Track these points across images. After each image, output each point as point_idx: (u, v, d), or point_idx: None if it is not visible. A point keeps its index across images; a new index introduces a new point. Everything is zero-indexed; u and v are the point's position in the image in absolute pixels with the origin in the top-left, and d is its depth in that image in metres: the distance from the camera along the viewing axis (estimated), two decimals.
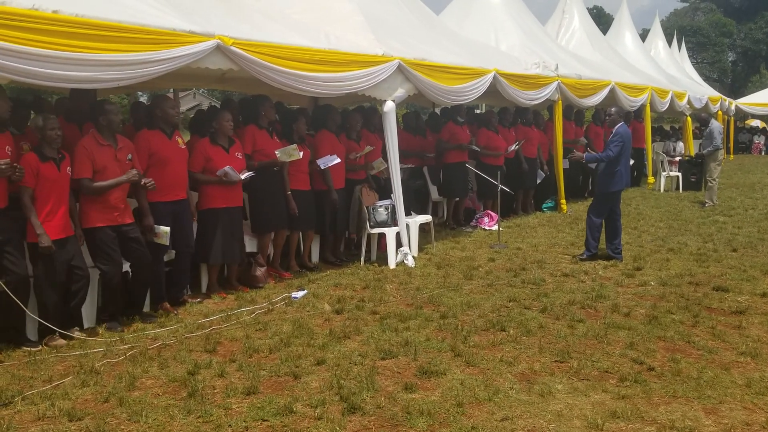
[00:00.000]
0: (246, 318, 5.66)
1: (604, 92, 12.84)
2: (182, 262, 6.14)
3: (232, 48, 5.82)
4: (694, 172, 14.86)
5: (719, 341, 5.01)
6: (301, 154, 6.96)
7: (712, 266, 7.39)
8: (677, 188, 15.00)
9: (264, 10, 7.24)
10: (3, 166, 4.66)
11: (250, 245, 6.89)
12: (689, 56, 34.54)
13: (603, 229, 7.89)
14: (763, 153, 29.43)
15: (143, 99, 12.73)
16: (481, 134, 10.58)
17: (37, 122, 5.07)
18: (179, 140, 6.07)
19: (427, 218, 8.70)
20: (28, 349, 4.89)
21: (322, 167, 7.38)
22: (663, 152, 15.84)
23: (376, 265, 7.61)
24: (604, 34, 19.48)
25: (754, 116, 32.36)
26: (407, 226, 7.84)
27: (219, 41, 5.68)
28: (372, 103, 9.20)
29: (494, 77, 9.46)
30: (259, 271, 6.76)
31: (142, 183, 5.57)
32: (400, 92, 7.70)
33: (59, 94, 8.29)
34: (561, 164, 11.61)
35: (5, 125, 5.04)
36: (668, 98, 16.74)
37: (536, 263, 7.61)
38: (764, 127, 33.58)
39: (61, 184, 5.08)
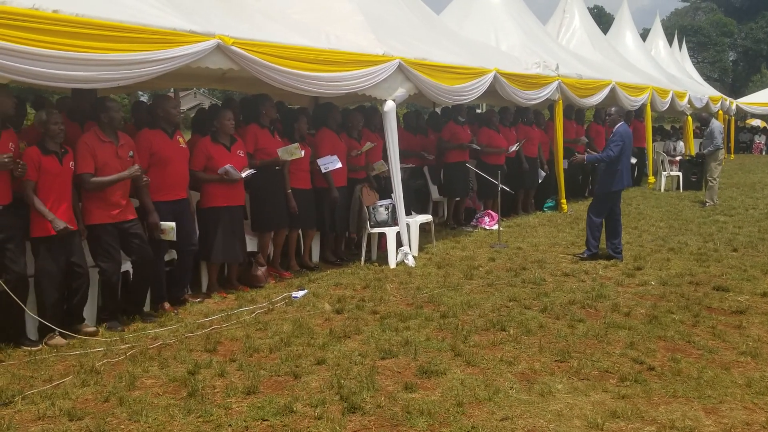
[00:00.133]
0: (246, 318, 5.66)
1: (605, 92, 12.83)
2: (184, 261, 6.14)
3: (233, 48, 5.82)
4: (695, 171, 14.86)
5: (719, 341, 5.01)
6: (303, 152, 6.97)
7: (712, 266, 7.39)
8: (678, 188, 14.99)
9: (264, 9, 7.24)
10: (6, 160, 4.67)
11: (251, 245, 6.90)
12: (690, 56, 34.54)
13: (603, 229, 7.89)
14: (763, 153, 29.41)
15: (144, 98, 12.72)
16: (483, 133, 10.58)
17: (41, 116, 5.12)
18: (180, 140, 6.08)
19: (427, 218, 8.71)
20: (28, 348, 4.89)
21: (323, 170, 7.38)
22: (663, 152, 15.84)
23: (377, 264, 7.61)
24: (605, 34, 19.48)
25: (755, 116, 32.34)
26: (407, 225, 7.84)
27: (219, 41, 5.69)
28: (372, 102, 9.19)
29: (494, 77, 9.46)
30: (260, 271, 6.76)
31: (142, 181, 5.56)
32: (401, 92, 7.70)
33: (59, 93, 8.30)
34: (561, 164, 11.61)
35: (9, 123, 5.06)
36: (669, 98, 16.73)
37: (537, 263, 7.61)
38: (765, 127, 33.56)
39: (64, 179, 5.10)
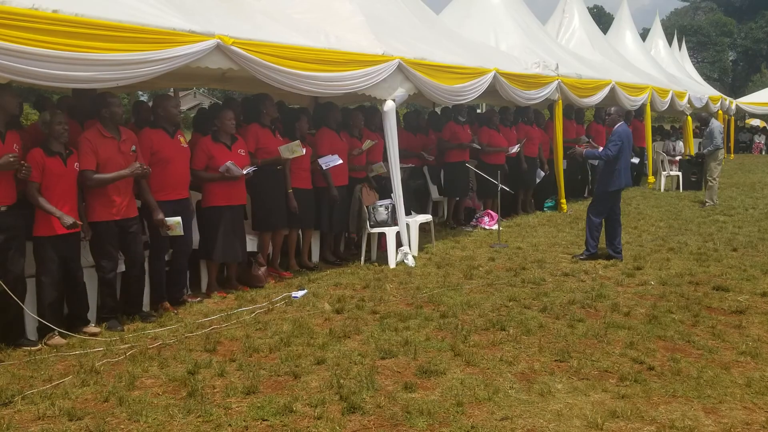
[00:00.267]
0: (246, 317, 5.66)
1: (605, 92, 12.83)
2: (179, 261, 6.14)
3: (233, 47, 5.82)
4: (695, 171, 14.86)
5: (719, 341, 5.01)
6: (304, 150, 6.98)
7: (712, 266, 7.39)
8: (677, 188, 15.00)
9: (264, 9, 7.24)
10: (11, 159, 4.68)
11: (250, 244, 6.89)
12: (689, 55, 34.52)
13: (603, 229, 7.89)
14: (763, 152, 29.41)
15: (144, 98, 12.72)
16: (483, 133, 10.58)
17: (45, 117, 5.14)
18: (181, 139, 6.09)
19: (427, 218, 8.71)
20: (28, 348, 4.89)
21: (324, 168, 7.39)
22: (663, 152, 15.84)
23: (376, 264, 7.61)
24: (605, 34, 19.48)
25: (755, 116, 32.34)
26: (407, 225, 7.84)
27: (219, 41, 5.68)
28: (372, 102, 9.20)
29: (494, 77, 9.46)
30: (259, 271, 6.76)
31: (139, 168, 5.51)
32: (400, 92, 7.69)
33: (59, 93, 8.29)
34: (561, 164, 11.62)
35: (14, 124, 5.06)
36: (668, 98, 16.73)
37: (536, 263, 7.61)
38: (764, 127, 33.56)
39: (68, 179, 5.11)
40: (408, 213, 8.15)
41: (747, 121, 35.22)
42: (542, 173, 11.71)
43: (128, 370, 4.47)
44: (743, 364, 4.55)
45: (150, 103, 7.68)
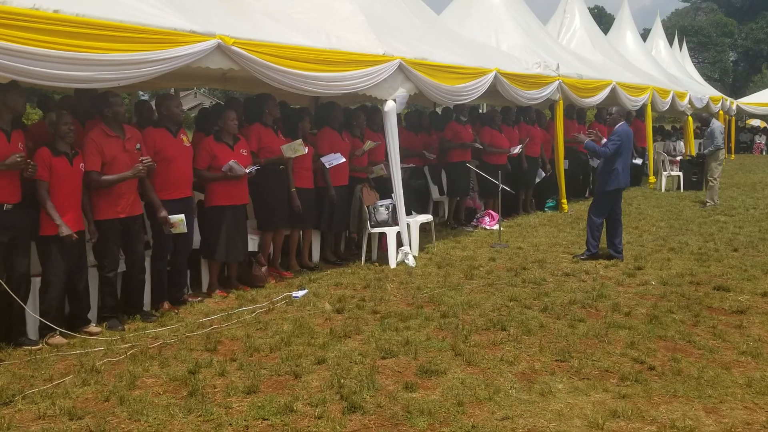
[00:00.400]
0: (247, 317, 5.66)
1: (606, 92, 12.84)
2: (180, 261, 6.14)
3: (233, 48, 5.82)
4: (695, 171, 14.86)
5: (720, 341, 5.00)
6: (306, 149, 6.99)
7: (713, 266, 7.38)
8: (678, 188, 14.99)
9: (265, 9, 7.24)
10: (18, 159, 4.70)
11: (251, 244, 6.90)
12: (690, 56, 34.53)
13: (604, 229, 7.89)
14: (764, 153, 29.41)
15: (145, 98, 12.74)
16: (485, 133, 10.59)
17: (51, 117, 5.17)
18: (184, 138, 6.11)
19: (427, 218, 8.71)
20: (29, 348, 4.89)
21: (328, 166, 7.41)
22: (664, 152, 15.83)
23: (377, 264, 7.61)
24: (605, 34, 19.48)
25: (755, 116, 32.32)
26: (408, 225, 7.84)
27: (220, 41, 5.69)
28: (373, 102, 9.20)
29: (495, 77, 9.46)
30: (260, 271, 6.77)
31: (141, 161, 5.52)
32: (401, 92, 7.69)
33: (60, 93, 8.30)
34: (562, 164, 11.62)
35: (19, 124, 5.08)
36: (669, 98, 16.73)
37: (537, 263, 7.61)
38: (765, 127, 33.55)
39: (73, 179, 5.13)
40: (408, 213, 8.15)
41: (747, 121, 35.20)
42: (542, 173, 11.71)
43: (129, 369, 4.47)
44: (744, 364, 4.55)
45: (152, 103, 7.69)
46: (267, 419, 3.76)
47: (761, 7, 55.60)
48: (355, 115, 8.32)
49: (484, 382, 4.21)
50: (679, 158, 15.66)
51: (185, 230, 5.79)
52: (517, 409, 3.86)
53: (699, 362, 4.56)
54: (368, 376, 4.26)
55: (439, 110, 12.82)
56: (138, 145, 5.59)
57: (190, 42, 5.46)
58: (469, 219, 10.49)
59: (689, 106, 18.40)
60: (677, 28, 43.86)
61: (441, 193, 10.67)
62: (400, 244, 7.67)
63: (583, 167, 13.30)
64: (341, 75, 7.00)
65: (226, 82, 9.01)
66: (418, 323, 5.43)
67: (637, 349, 4.81)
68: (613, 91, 13.15)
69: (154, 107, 6.92)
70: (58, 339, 5.01)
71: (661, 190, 14.86)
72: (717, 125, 12.78)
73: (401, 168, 7.90)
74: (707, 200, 12.39)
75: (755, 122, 35.17)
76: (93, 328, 5.31)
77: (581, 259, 7.78)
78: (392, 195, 7.78)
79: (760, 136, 30.70)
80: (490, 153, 10.47)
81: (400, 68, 7.61)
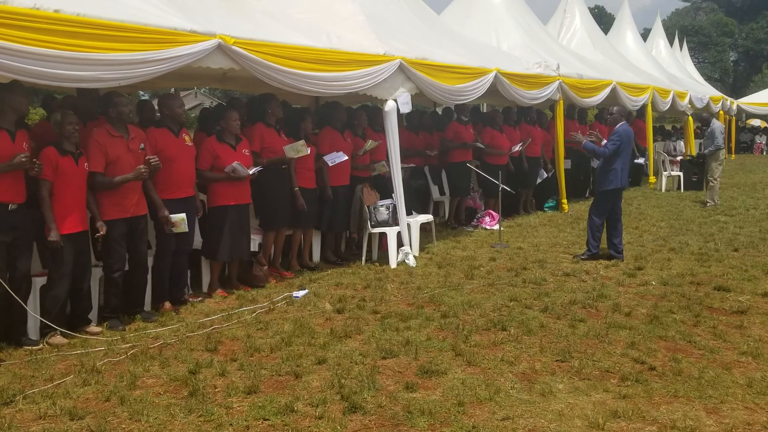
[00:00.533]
0: (247, 317, 5.66)
1: (606, 92, 12.83)
2: (180, 260, 6.14)
3: (234, 47, 5.82)
4: (696, 171, 14.85)
5: (720, 341, 5.00)
6: (309, 150, 6.99)
7: (713, 266, 7.38)
8: (678, 188, 14.99)
9: (266, 9, 7.24)
10: (23, 159, 4.70)
11: (252, 244, 6.90)
12: (691, 56, 34.52)
13: (604, 229, 7.89)
14: (764, 153, 29.40)
15: (145, 97, 12.75)
16: (486, 133, 10.59)
17: (56, 118, 5.19)
18: (186, 138, 6.11)
19: (428, 218, 8.71)
20: (30, 348, 4.89)
21: (330, 164, 7.41)
22: (664, 152, 15.83)
23: (377, 264, 7.61)
24: (606, 34, 19.47)
25: (756, 116, 32.33)
26: (408, 225, 7.84)
27: (220, 40, 5.69)
28: (373, 102, 9.20)
29: (495, 77, 9.46)
30: (261, 271, 6.77)
31: (147, 160, 5.53)
32: (402, 92, 7.68)
33: (61, 92, 8.29)
34: (562, 164, 11.61)
35: (22, 124, 5.08)
36: (670, 98, 16.73)
37: (537, 263, 7.61)
38: (765, 127, 33.55)
39: (78, 179, 5.16)
40: (409, 213, 8.15)
41: (748, 121, 35.21)
42: (545, 174, 11.71)
43: (129, 369, 4.47)
44: (744, 365, 4.55)
45: (153, 102, 7.71)
46: (267, 419, 3.76)
47: (762, 7, 55.58)
48: (357, 115, 8.32)
49: (484, 383, 4.21)
50: (679, 158, 15.66)
51: (186, 229, 5.80)
52: (517, 410, 3.85)
53: (699, 362, 4.56)
54: (369, 377, 4.26)
55: (439, 110, 12.82)
56: (142, 145, 5.60)
57: (190, 42, 5.46)
58: (470, 219, 10.50)
59: (689, 106, 18.40)
60: (677, 28, 43.85)
61: (441, 193, 10.68)
62: (400, 244, 7.67)
63: (584, 167, 13.30)
64: (342, 75, 7.00)
65: (227, 81, 9.01)
66: (418, 323, 5.43)
67: (637, 349, 4.81)
68: (614, 91, 13.14)
69: (155, 107, 6.94)
70: (58, 339, 5.01)
71: (661, 190, 14.86)
72: (717, 125, 12.78)
73: (402, 168, 7.90)
74: (707, 200, 12.38)
75: (755, 122, 35.18)
76: (93, 328, 5.31)
77: (582, 259, 7.78)
78: (393, 195, 7.78)
79: (761, 136, 30.70)
80: (491, 154, 10.47)
81: (401, 68, 7.61)
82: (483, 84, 9.22)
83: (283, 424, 3.71)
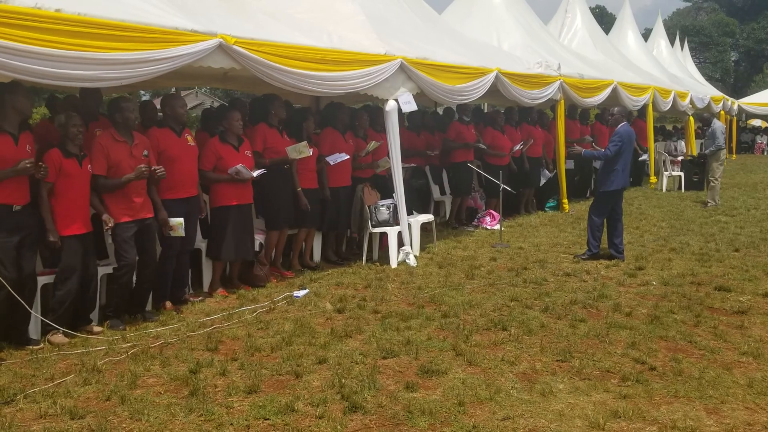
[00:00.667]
0: (248, 317, 5.66)
1: (607, 92, 12.82)
2: (182, 260, 6.14)
3: (234, 47, 5.82)
4: (697, 171, 14.85)
5: (721, 341, 5.00)
6: (311, 151, 7.00)
7: (714, 266, 7.38)
8: (679, 188, 14.98)
9: (266, 9, 7.25)
10: (28, 165, 4.72)
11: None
12: (692, 56, 34.50)
13: (605, 229, 7.89)
14: (765, 153, 29.38)
15: (146, 97, 12.76)
16: (487, 133, 10.59)
17: (60, 120, 5.20)
18: (189, 138, 6.12)
19: (428, 217, 8.71)
20: (31, 347, 4.89)
21: (332, 163, 7.42)
22: (665, 152, 15.83)
23: (378, 264, 7.61)
24: (607, 34, 19.46)
25: (757, 116, 32.31)
26: (409, 225, 7.84)
27: (221, 40, 5.69)
28: (375, 102, 9.20)
29: (496, 76, 9.46)
30: (261, 270, 6.77)
31: (154, 171, 5.56)
32: (403, 92, 7.67)
33: (62, 92, 8.30)
34: (563, 164, 11.61)
35: (26, 125, 5.10)
36: (671, 98, 16.72)
37: (538, 263, 7.61)
38: (766, 127, 33.52)
39: (82, 181, 5.18)
40: (410, 213, 8.15)
41: (749, 121, 35.19)
42: (548, 174, 11.70)
43: (130, 369, 4.47)
44: (745, 365, 4.55)
45: (155, 102, 7.72)
46: (268, 419, 3.76)
47: (763, 7, 55.54)
48: (359, 116, 8.32)
49: (485, 382, 4.22)
50: (680, 158, 15.65)
51: (183, 234, 5.80)
52: (518, 409, 3.86)
53: (700, 363, 4.56)
54: (369, 376, 4.27)
55: (440, 110, 12.82)
56: (145, 152, 5.59)
57: (191, 41, 5.46)
58: (470, 219, 10.50)
59: (690, 106, 18.39)
60: (678, 28, 43.81)
61: (442, 192, 10.68)
62: (401, 243, 7.67)
63: (585, 167, 13.30)
64: (343, 74, 7.00)
65: (228, 81, 9.01)
66: (419, 323, 5.43)
67: (638, 349, 4.81)
68: (615, 90, 13.13)
69: (158, 107, 6.95)
70: (59, 337, 5.02)
71: (662, 190, 14.85)
72: (718, 125, 12.77)
73: (402, 168, 7.90)
74: (708, 200, 12.38)
75: (756, 122, 35.16)
76: (94, 327, 5.32)
77: (582, 259, 7.78)
78: (393, 195, 7.78)
79: (762, 136, 30.67)
80: (492, 154, 10.47)
81: (402, 68, 7.61)
82: (484, 84, 9.22)
83: (284, 423, 3.71)
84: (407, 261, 7.60)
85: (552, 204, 12.02)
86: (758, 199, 13.14)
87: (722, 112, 22.49)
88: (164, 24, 5.29)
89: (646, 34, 27.10)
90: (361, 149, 7.99)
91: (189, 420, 3.75)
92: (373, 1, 8.54)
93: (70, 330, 5.11)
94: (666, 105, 16.57)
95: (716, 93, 24.05)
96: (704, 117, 13.56)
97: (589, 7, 18.45)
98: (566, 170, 11.77)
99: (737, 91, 45.85)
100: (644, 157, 15.57)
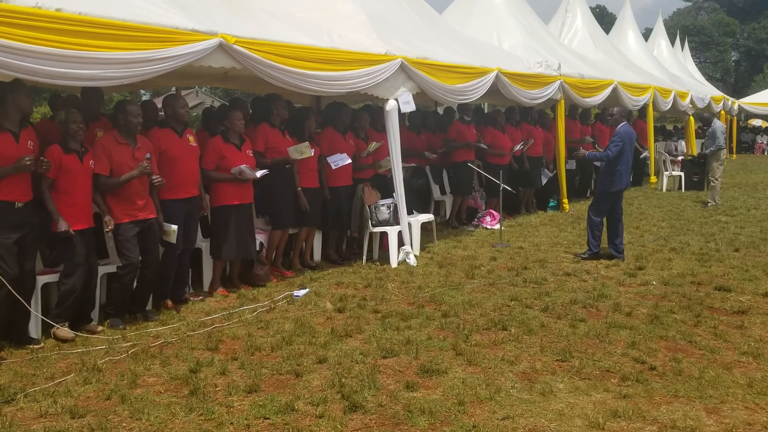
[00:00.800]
0: (248, 316, 5.66)
1: (607, 91, 12.82)
2: (182, 259, 6.14)
3: (235, 46, 5.82)
4: (697, 171, 14.85)
5: (721, 341, 5.00)
6: (313, 151, 7.00)
7: (714, 266, 7.38)
8: (679, 188, 14.98)
9: (267, 8, 7.24)
10: (28, 162, 4.73)
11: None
12: (692, 56, 34.47)
13: (605, 228, 7.89)
14: (765, 153, 29.37)
15: (146, 97, 12.76)
16: (487, 133, 10.60)
17: (60, 116, 5.22)
18: (190, 138, 6.12)
19: (429, 217, 8.71)
20: (31, 346, 4.90)
21: (334, 167, 7.42)
22: (665, 151, 15.83)
23: (378, 263, 7.61)
24: (607, 34, 19.46)
25: (757, 116, 32.29)
26: (409, 224, 7.84)
27: (222, 39, 5.69)
28: (375, 102, 9.20)
29: (497, 76, 9.45)
30: (262, 270, 6.77)
31: (152, 180, 5.59)
32: (403, 91, 7.67)
33: (63, 91, 8.30)
34: (563, 163, 11.62)
35: (27, 121, 5.11)
36: (671, 98, 16.71)
37: (538, 262, 7.61)
38: (767, 127, 33.51)
39: (83, 176, 5.20)
40: (410, 212, 8.15)
41: (749, 121, 35.17)
42: (548, 174, 11.70)
43: (130, 368, 4.47)
44: (745, 365, 4.55)
45: (156, 101, 7.72)
46: (268, 418, 3.77)
47: (763, 7, 55.54)
48: (360, 117, 8.32)
49: (485, 382, 4.22)
50: (680, 158, 15.65)
51: (174, 241, 5.78)
52: (518, 409, 3.86)
53: (700, 362, 4.56)
54: (369, 376, 4.27)
55: (440, 110, 12.82)
56: (148, 155, 5.60)
57: (192, 41, 5.46)
58: (471, 218, 10.50)
59: (691, 105, 18.39)
60: (679, 28, 43.84)
61: (442, 192, 10.68)
62: (401, 243, 7.68)
63: (585, 167, 13.29)
64: (343, 74, 7.00)
65: (228, 81, 9.02)
66: (419, 323, 5.43)
67: (638, 349, 4.81)
68: (615, 90, 13.13)
69: (159, 107, 6.95)
70: (65, 331, 5.05)
71: (662, 190, 14.85)
72: (718, 125, 12.77)
73: (403, 167, 7.90)
74: (708, 200, 12.38)
75: (757, 122, 35.15)
76: (95, 326, 5.32)
77: (582, 258, 7.79)
78: (394, 194, 7.78)
79: (762, 136, 30.67)
80: (492, 153, 10.48)
81: (402, 67, 7.61)
82: (484, 83, 9.22)
83: (284, 423, 3.71)
84: (407, 260, 7.61)
85: (553, 204, 12.02)
86: (758, 199, 13.14)
87: (722, 112, 22.49)
88: (165, 23, 5.30)
89: (646, 34, 27.09)
90: (362, 150, 7.99)
91: (189, 419, 3.76)
92: (374, 0, 8.54)
93: (70, 329, 5.12)
94: (666, 105, 16.57)
95: (716, 93, 24.05)
96: (704, 117, 13.55)
97: (590, 7, 18.44)
98: (567, 170, 11.78)
99: (737, 91, 45.85)
100: (645, 153, 15.57)
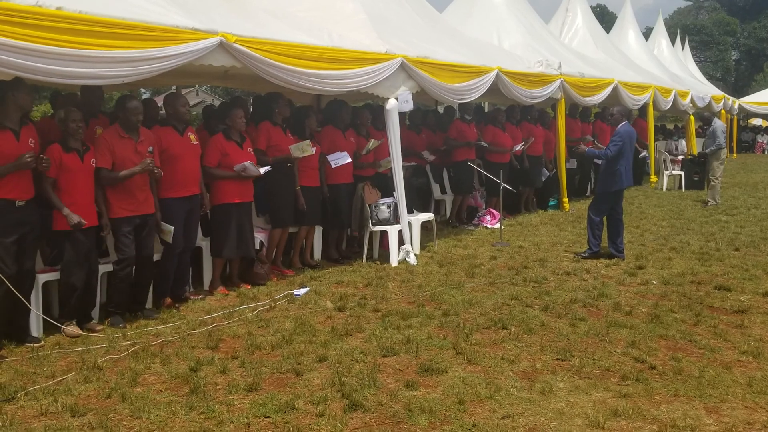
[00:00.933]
0: (248, 315, 5.67)
1: (607, 90, 12.82)
2: (183, 258, 6.15)
3: (235, 45, 5.83)
4: (697, 171, 14.85)
5: (721, 340, 5.01)
6: (314, 150, 7.01)
7: (714, 265, 7.38)
8: (680, 187, 14.98)
9: (267, 7, 7.24)
10: (28, 159, 4.73)
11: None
12: (692, 55, 34.44)
13: (605, 228, 7.89)
14: (766, 152, 29.36)
15: (146, 95, 12.77)
16: (488, 131, 10.60)
17: (60, 115, 5.23)
18: (192, 136, 6.13)
19: (429, 216, 8.71)
20: (31, 344, 4.90)
21: (333, 166, 7.42)
22: (665, 151, 15.83)
23: (378, 262, 7.61)
24: (608, 33, 19.45)
25: (758, 115, 32.28)
26: (409, 224, 7.85)
27: (222, 38, 5.69)
28: (376, 101, 9.19)
29: (497, 75, 9.45)
30: (262, 269, 6.78)
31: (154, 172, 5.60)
32: (403, 90, 7.67)
33: (65, 90, 8.31)
34: (563, 163, 11.62)
35: (28, 118, 5.11)
36: (671, 97, 16.71)
37: (538, 261, 7.61)
38: (767, 126, 33.50)
39: (84, 175, 5.20)
40: (410, 211, 8.15)
41: (749, 120, 35.17)
42: (546, 172, 11.70)
43: (131, 366, 4.48)
44: (745, 364, 4.55)
45: (156, 99, 7.72)
46: (268, 417, 3.77)
47: (764, 6, 55.52)
48: (361, 115, 8.33)
49: (485, 381, 4.22)
50: (680, 157, 15.65)
51: (170, 241, 5.79)
52: (518, 408, 3.86)
53: (700, 362, 4.56)
54: (369, 375, 4.27)
55: (440, 109, 12.82)
56: (150, 148, 5.61)
57: (192, 39, 5.46)
58: (471, 217, 10.50)
59: (691, 105, 18.38)
60: (679, 27, 43.84)
61: (442, 191, 10.68)
62: (401, 242, 7.68)
63: (585, 166, 13.29)
64: (343, 73, 7.00)
65: (228, 79, 9.01)
66: (419, 321, 5.43)
67: (638, 348, 4.81)
68: (615, 89, 13.13)
69: (159, 105, 6.95)
70: (74, 329, 5.10)
71: (662, 189, 14.85)
72: (719, 124, 12.77)
73: (403, 166, 7.90)
74: (709, 199, 12.38)
75: (757, 121, 35.14)
76: (95, 325, 5.33)
77: (583, 257, 7.79)
78: (394, 193, 7.78)
79: (762, 135, 30.67)
80: (493, 152, 10.48)
81: (402, 66, 7.61)
82: (484, 83, 9.22)
83: (284, 421, 3.72)
84: (408, 259, 7.61)
85: (554, 203, 12.02)
86: (759, 199, 13.14)
87: (723, 111, 22.48)
88: (165, 22, 5.30)
89: (647, 33, 27.06)
90: (362, 148, 8.00)
91: (189, 418, 3.76)
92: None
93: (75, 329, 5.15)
94: (667, 104, 16.56)
95: (717, 92, 24.03)
96: (705, 116, 13.54)
97: (590, 6, 18.43)
98: (567, 169, 11.78)
99: (738, 90, 45.84)
100: (644, 153, 15.56)
